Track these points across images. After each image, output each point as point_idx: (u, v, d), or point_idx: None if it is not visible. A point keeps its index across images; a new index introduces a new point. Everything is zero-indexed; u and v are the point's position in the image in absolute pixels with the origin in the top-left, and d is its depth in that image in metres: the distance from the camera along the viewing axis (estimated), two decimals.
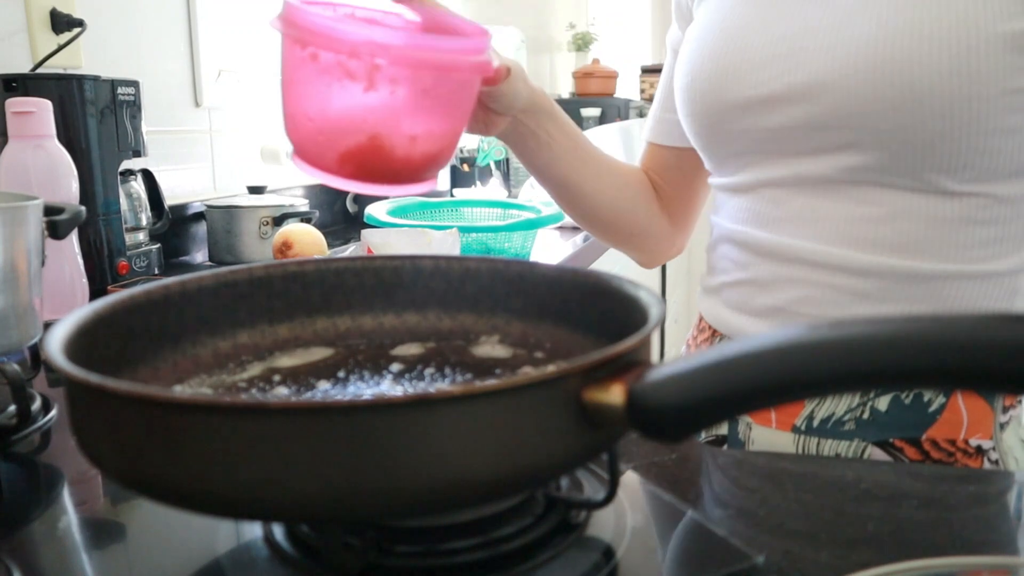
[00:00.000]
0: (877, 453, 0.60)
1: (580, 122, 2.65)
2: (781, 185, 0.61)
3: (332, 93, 0.50)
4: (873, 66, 0.52)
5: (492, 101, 0.64)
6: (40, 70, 1.11)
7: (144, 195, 1.22)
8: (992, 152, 0.53)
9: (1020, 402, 0.63)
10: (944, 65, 0.50)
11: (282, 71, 0.52)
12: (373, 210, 1.25)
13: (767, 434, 0.64)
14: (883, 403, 0.60)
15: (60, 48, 1.14)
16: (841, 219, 0.58)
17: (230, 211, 1.35)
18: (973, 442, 0.59)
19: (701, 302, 0.72)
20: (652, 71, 3.41)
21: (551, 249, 1.43)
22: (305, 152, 0.54)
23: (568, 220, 1.62)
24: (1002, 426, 0.61)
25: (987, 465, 0.60)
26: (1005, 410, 0.61)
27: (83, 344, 0.37)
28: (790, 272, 0.60)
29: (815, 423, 0.61)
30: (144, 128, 1.14)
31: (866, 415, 0.60)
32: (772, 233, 0.61)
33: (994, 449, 0.60)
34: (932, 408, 0.59)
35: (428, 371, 0.47)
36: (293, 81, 0.51)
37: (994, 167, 0.54)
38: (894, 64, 0.51)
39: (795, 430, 0.62)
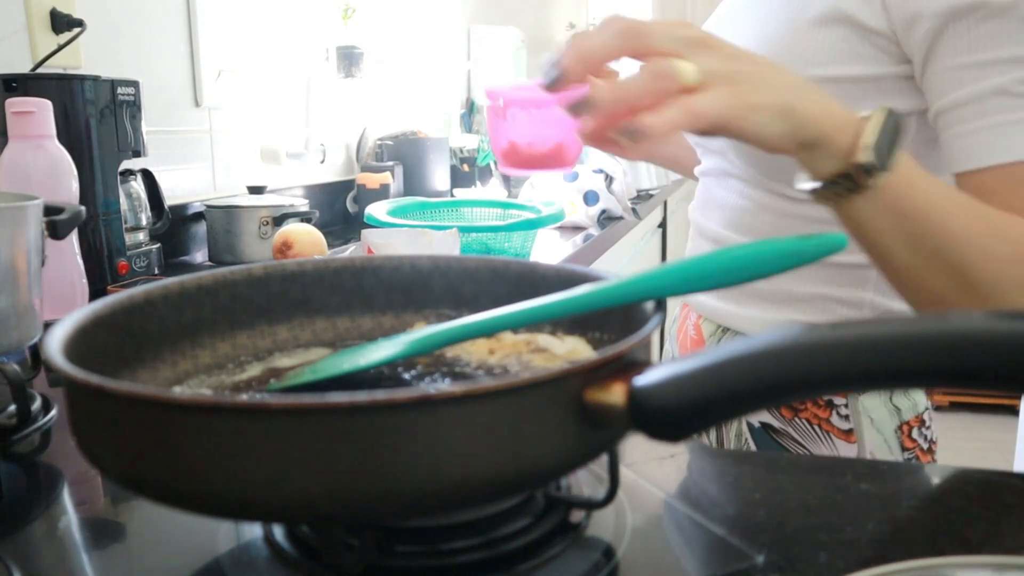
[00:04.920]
0: None
1: None
2: (705, 175, 0.78)
3: (495, 122, 0.91)
4: None
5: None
6: (40, 70, 1.11)
7: (144, 195, 1.22)
8: None
9: None
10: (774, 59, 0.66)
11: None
12: (373, 210, 1.24)
13: None
14: None
15: (60, 48, 1.14)
16: (729, 208, 0.73)
17: (230, 211, 1.35)
18: None
19: None
20: None
21: (551, 249, 1.43)
22: (498, 159, 0.92)
23: (568, 220, 1.63)
24: None
25: (834, 418, 0.70)
26: None
27: (83, 345, 0.37)
28: (708, 247, 0.77)
29: None
30: (144, 128, 1.14)
31: None
32: (700, 216, 0.79)
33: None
34: None
35: (428, 371, 0.47)
36: (488, 123, 0.94)
37: None
38: None
39: None
